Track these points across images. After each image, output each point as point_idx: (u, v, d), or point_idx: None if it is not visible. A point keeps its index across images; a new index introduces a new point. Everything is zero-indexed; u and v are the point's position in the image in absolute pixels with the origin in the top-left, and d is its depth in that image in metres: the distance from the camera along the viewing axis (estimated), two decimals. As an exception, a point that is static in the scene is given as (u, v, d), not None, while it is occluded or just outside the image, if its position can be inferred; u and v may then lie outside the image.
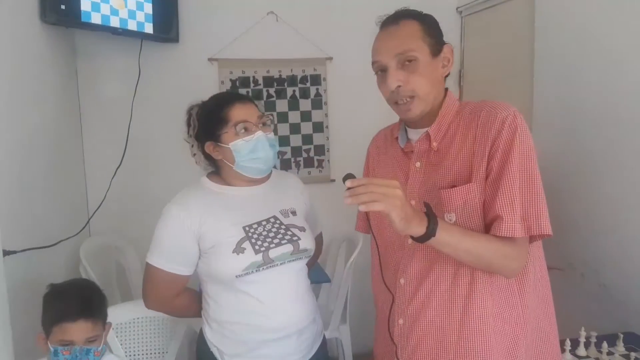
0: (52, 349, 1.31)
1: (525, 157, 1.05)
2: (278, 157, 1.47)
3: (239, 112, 1.34)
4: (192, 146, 1.44)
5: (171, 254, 1.36)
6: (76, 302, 1.34)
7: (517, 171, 1.04)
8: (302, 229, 1.43)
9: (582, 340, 1.56)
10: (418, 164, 1.19)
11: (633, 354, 1.56)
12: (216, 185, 1.41)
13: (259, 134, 1.35)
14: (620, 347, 1.58)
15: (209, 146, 1.38)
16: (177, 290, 1.42)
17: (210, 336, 1.41)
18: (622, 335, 1.59)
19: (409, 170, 1.20)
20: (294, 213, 1.45)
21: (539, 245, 1.18)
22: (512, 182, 1.04)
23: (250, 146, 1.33)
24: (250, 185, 1.42)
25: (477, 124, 1.11)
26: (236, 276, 1.31)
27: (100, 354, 1.35)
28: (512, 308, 1.12)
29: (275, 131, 2.82)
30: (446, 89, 1.21)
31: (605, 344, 1.55)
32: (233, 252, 1.31)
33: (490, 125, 1.08)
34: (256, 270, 1.33)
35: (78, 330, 1.31)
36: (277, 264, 1.35)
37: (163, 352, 1.76)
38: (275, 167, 1.50)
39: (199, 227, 1.33)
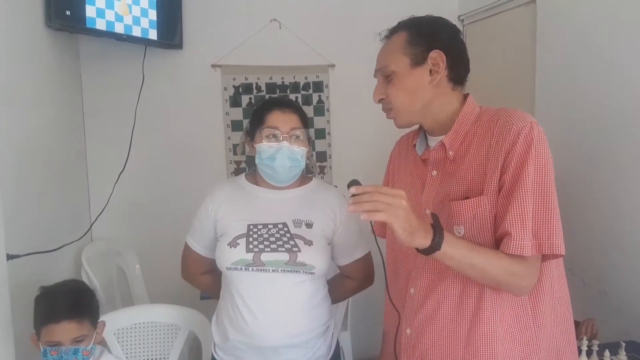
0: (42, 349, 1.34)
1: (540, 172, 1.01)
2: (304, 172, 1.46)
3: (273, 118, 1.38)
4: (241, 138, 1.53)
5: (196, 233, 1.50)
6: (60, 303, 1.37)
7: (531, 187, 1.00)
8: (309, 243, 1.37)
9: (584, 348, 1.55)
10: (434, 173, 1.16)
11: (635, 363, 1.56)
12: (247, 183, 1.48)
13: (284, 144, 1.36)
14: (623, 356, 1.57)
15: (249, 141, 1.47)
16: (200, 268, 1.54)
17: (213, 324, 1.47)
18: (624, 344, 1.59)
19: (425, 178, 1.17)
20: (308, 225, 1.40)
21: (559, 263, 1.13)
22: (525, 198, 1.00)
23: (270, 152, 1.37)
24: (275, 189, 1.43)
25: (493, 134, 1.06)
26: (226, 268, 1.36)
27: (89, 353, 1.38)
28: (524, 327, 1.08)
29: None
30: (467, 95, 1.18)
31: (607, 352, 1.54)
32: (227, 244, 1.36)
33: (505, 136, 1.03)
34: (245, 269, 1.34)
35: (63, 331, 1.34)
36: (268, 270, 1.34)
37: (164, 358, 1.76)
38: (305, 175, 1.50)
39: (215, 214, 1.44)
